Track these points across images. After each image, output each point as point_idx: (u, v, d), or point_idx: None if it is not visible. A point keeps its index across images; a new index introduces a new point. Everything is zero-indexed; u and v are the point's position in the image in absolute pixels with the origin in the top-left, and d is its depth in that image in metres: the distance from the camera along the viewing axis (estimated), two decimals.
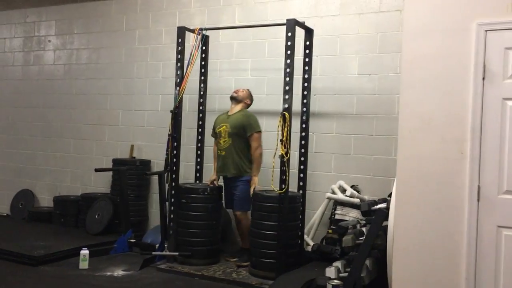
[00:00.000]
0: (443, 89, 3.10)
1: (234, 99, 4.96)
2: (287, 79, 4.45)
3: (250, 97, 5.05)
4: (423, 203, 3.13)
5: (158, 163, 5.90)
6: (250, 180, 4.83)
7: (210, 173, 5.31)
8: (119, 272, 4.61)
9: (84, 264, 4.65)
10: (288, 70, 4.45)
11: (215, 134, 5.02)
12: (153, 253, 4.89)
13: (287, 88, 4.45)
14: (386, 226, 3.59)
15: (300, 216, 4.77)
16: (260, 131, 4.87)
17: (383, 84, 4.86)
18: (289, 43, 4.46)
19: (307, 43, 4.91)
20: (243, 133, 4.82)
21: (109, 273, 4.56)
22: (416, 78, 3.19)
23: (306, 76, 4.90)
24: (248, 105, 5.03)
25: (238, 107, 4.94)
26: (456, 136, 3.05)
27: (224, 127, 4.90)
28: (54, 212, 6.24)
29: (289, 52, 4.46)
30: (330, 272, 3.87)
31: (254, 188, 4.75)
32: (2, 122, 7.25)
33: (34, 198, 6.85)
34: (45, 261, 4.74)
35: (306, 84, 4.89)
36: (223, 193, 5.03)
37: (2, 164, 7.22)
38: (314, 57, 4.97)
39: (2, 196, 7.07)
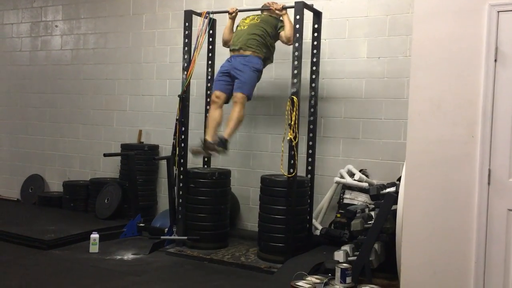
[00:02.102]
0: (454, 71, 3.06)
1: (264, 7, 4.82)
2: (296, 62, 4.41)
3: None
4: (432, 186, 3.11)
5: (166, 148, 5.92)
6: (257, 65, 4.64)
7: (217, 158, 5.30)
8: (128, 256, 4.65)
9: (94, 248, 4.70)
10: (296, 53, 4.41)
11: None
12: (162, 237, 4.93)
13: (295, 72, 4.41)
14: (395, 210, 3.58)
15: (309, 200, 4.77)
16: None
17: (392, 67, 4.81)
18: (297, 26, 4.42)
19: (316, 26, 4.86)
20: (274, 28, 4.71)
21: (119, 257, 4.61)
22: (427, 61, 3.15)
23: (314, 59, 4.85)
24: None
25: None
26: (467, 119, 3.01)
27: (252, 16, 4.81)
28: (64, 196, 6.29)
29: (297, 35, 4.42)
30: (339, 255, 3.89)
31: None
32: (11, 107, 7.29)
33: (43, 183, 6.91)
34: (56, 245, 4.79)
35: (314, 68, 4.85)
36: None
37: (12, 150, 7.28)
38: (322, 41, 4.93)
39: (12, 181, 7.14)
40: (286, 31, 4.63)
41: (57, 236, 4.91)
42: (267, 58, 4.79)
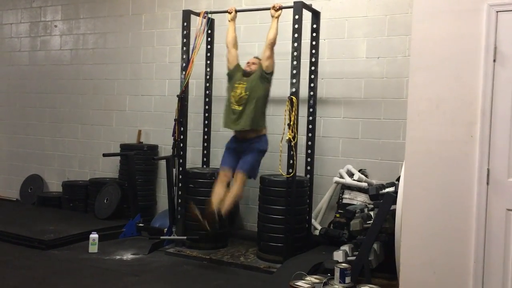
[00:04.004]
0: (453, 71, 3.06)
1: (247, 75, 4.67)
2: (294, 62, 4.42)
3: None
4: (432, 186, 3.11)
5: (166, 148, 5.92)
6: (263, 146, 4.58)
7: (216, 158, 5.31)
8: (128, 256, 4.65)
9: (93, 248, 4.70)
10: (295, 53, 4.42)
11: (230, 85, 4.73)
12: (162, 237, 4.93)
13: (294, 72, 4.42)
14: (394, 210, 3.58)
15: (308, 200, 4.77)
16: None
17: (391, 67, 4.81)
18: (296, 26, 4.42)
19: (314, 26, 4.86)
20: (262, 81, 4.55)
21: (118, 257, 4.61)
22: (426, 61, 3.15)
23: (313, 59, 4.86)
24: None
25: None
26: (465, 119, 3.02)
27: (241, 85, 4.60)
28: (63, 197, 6.30)
29: (296, 35, 4.42)
30: (338, 255, 3.89)
31: None
32: (10, 107, 7.29)
33: (43, 183, 6.91)
34: (55, 245, 4.79)
35: (313, 68, 4.85)
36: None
37: (11, 150, 7.28)
38: (321, 41, 4.93)
39: (11, 181, 7.14)
40: (271, 34, 4.52)
41: (57, 236, 4.91)
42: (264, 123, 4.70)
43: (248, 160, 4.53)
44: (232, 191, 4.51)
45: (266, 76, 4.57)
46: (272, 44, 4.53)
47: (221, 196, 4.48)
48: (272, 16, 4.63)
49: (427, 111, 3.13)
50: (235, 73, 4.75)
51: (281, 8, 4.61)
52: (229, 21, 4.89)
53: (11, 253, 4.63)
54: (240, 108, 4.56)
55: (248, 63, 4.75)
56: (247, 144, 4.57)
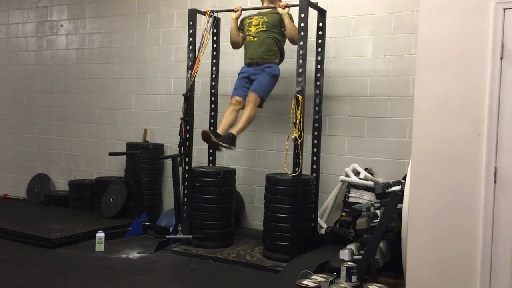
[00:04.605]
0: (460, 69, 3.04)
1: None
2: (300, 61, 4.41)
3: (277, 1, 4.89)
4: (438, 185, 3.09)
5: (171, 147, 5.93)
6: (275, 71, 4.73)
7: (222, 157, 5.32)
8: (134, 255, 4.66)
9: (100, 247, 4.72)
10: (301, 52, 4.41)
11: (244, 26, 4.89)
12: (168, 236, 4.94)
13: (300, 70, 4.41)
14: (401, 208, 3.57)
15: (314, 199, 4.76)
16: None
17: (397, 65, 4.79)
18: (301, 24, 4.41)
19: (320, 24, 4.85)
20: (280, 26, 4.74)
21: (124, 256, 4.62)
22: (432, 59, 3.13)
23: (319, 58, 4.85)
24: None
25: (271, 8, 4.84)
26: (472, 117, 3.00)
27: (257, 17, 4.80)
28: (70, 195, 6.32)
29: (302, 33, 4.41)
30: (344, 254, 3.88)
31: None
32: (16, 107, 7.32)
33: (49, 182, 6.94)
34: (62, 244, 4.81)
35: (319, 66, 4.84)
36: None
37: (18, 149, 7.31)
38: (327, 39, 4.92)
39: (18, 181, 7.18)
40: (289, 32, 4.67)
41: (63, 235, 4.93)
42: (282, 58, 4.89)
43: (261, 81, 4.67)
44: (245, 111, 4.65)
45: (282, 30, 4.73)
46: (293, 40, 4.63)
47: (232, 120, 4.66)
48: (282, 14, 4.66)
49: (433, 109, 3.12)
50: (245, 20, 4.90)
51: (287, 6, 4.61)
52: (232, 18, 4.92)
53: (18, 251, 4.66)
54: (255, 39, 4.74)
55: None
56: (260, 69, 4.71)
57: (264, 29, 4.75)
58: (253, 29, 4.79)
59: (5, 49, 7.43)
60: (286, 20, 4.65)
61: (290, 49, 4.89)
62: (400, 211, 3.59)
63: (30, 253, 4.62)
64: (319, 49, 4.84)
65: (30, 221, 5.48)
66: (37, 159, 7.11)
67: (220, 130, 4.63)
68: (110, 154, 5.73)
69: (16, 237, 4.98)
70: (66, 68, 6.88)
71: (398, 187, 4.02)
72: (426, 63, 3.15)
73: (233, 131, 4.58)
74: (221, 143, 4.45)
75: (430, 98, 3.13)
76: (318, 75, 4.84)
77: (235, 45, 5.04)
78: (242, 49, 5.11)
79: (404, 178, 4.00)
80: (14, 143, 7.36)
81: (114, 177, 6.24)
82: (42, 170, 7.02)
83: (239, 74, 4.89)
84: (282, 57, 4.89)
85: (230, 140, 4.52)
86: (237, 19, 4.95)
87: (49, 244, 4.76)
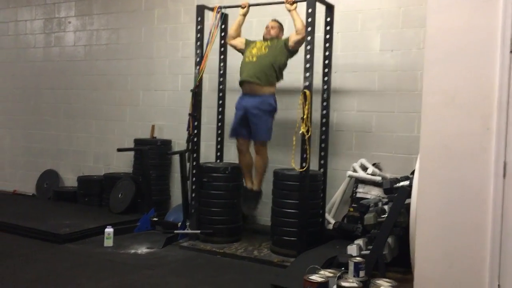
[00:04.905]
0: (469, 63, 3.01)
1: (268, 39, 4.81)
2: (308, 56, 4.39)
3: (282, 31, 4.87)
4: (447, 179, 3.07)
5: (179, 143, 5.94)
6: (272, 106, 4.68)
7: (230, 152, 5.33)
8: (143, 250, 4.69)
9: (108, 242, 4.74)
10: (308, 47, 4.39)
11: (246, 46, 4.87)
12: (176, 231, 4.96)
13: (307, 65, 4.40)
14: (409, 204, 3.56)
15: (321, 195, 4.76)
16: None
17: (405, 60, 4.77)
18: (309, 19, 4.39)
19: (328, 19, 4.83)
20: (283, 51, 4.67)
21: (133, 251, 4.65)
22: (441, 53, 3.11)
23: (327, 53, 4.83)
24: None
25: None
26: (481, 111, 2.97)
27: (261, 43, 4.77)
28: (78, 191, 6.36)
29: (309, 28, 4.40)
30: (352, 249, 3.88)
31: None
32: (25, 103, 7.37)
33: (58, 178, 6.99)
34: (71, 239, 4.84)
35: (327, 61, 4.83)
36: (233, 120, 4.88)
37: (27, 145, 7.37)
38: (335, 34, 4.90)
39: (28, 177, 7.23)
40: (297, 28, 4.55)
41: (72, 230, 4.97)
42: (279, 79, 4.81)
43: (261, 127, 4.67)
44: (258, 162, 4.77)
45: (289, 50, 4.66)
46: (301, 33, 4.53)
47: (250, 164, 4.82)
48: (289, 10, 4.63)
49: (442, 104, 3.09)
50: (249, 44, 4.87)
51: (295, 1, 4.59)
52: (240, 15, 4.92)
53: (28, 246, 4.70)
54: (255, 59, 4.69)
55: (267, 27, 4.84)
56: (256, 103, 4.64)
57: (265, 52, 4.69)
58: (254, 51, 4.75)
59: (13, 46, 7.47)
60: (295, 15, 4.60)
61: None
62: (408, 206, 3.59)
63: (40, 248, 4.65)
64: (327, 44, 4.82)
65: (40, 217, 5.52)
66: (46, 155, 7.15)
67: (248, 182, 4.87)
68: (118, 150, 5.76)
69: (26, 233, 5.02)
70: (74, 64, 6.91)
71: (406, 182, 4.00)
72: (434, 57, 3.13)
73: (255, 186, 4.80)
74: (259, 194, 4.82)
75: (438, 93, 3.11)
76: (326, 70, 4.82)
77: (230, 38, 5.01)
78: (253, 39, 5.10)
79: (412, 173, 3.98)
80: (23, 139, 7.42)
81: (122, 173, 6.27)
82: (51, 166, 7.07)
83: (236, 108, 4.84)
84: (279, 79, 4.80)
85: (257, 198, 4.82)
86: (244, 15, 4.95)
87: (58, 240, 4.79)
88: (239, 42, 4.96)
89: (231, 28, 5.01)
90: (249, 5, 4.92)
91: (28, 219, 5.37)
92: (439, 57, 3.11)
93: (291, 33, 4.67)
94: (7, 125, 7.55)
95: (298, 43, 4.61)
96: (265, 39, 4.82)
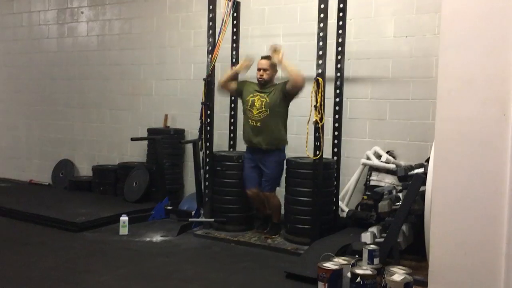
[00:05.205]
0: (485, 47, 2.96)
1: (263, 85, 4.61)
2: (321, 43, 4.36)
3: (275, 69, 4.64)
4: (462, 166, 3.04)
5: (192, 132, 5.96)
6: (282, 157, 4.65)
7: (242, 142, 5.33)
8: (157, 238, 4.73)
9: (124, 230, 4.80)
10: (321, 34, 4.35)
11: (243, 101, 4.70)
12: (190, 219, 4.99)
13: (320, 53, 4.36)
14: (423, 191, 3.53)
15: (335, 183, 4.75)
16: None
17: (420, 46, 4.70)
18: (322, 6, 4.35)
19: (341, 5, 4.78)
20: (284, 99, 4.53)
21: (148, 239, 4.70)
22: (456, 38, 3.06)
23: (340, 40, 4.78)
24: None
25: (270, 84, 4.62)
26: (498, 97, 2.92)
27: (258, 97, 4.56)
28: (93, 181, 6.43)
29: (322, 15, 4.35)
30: (366, 237, 3.87)
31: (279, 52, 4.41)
32: (40, 94, 7.44)
33: (73, 168, 7.07)
34: (87, 227, 4.91)
35: (340, 49, 4.78)
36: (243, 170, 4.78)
37: (43, 135, 7.45)
38: (348, 20, 4.85)
39: (44, 167, 7.32)
40: (292, 79, 4.38)
41: (88, 219, 5.03)
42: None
43: (270, 177, 4.63)
44: (272, 206, 4.73)
45: (288, 94, 4.51)
46: (299, 85, 4.40)
47: (263, 202, 4.75)
48: (282, 65, 4.45)
49: (458, 90, 3.05)
50: (243, 86, 4.74)
51: (281, 52, 4.43)
52: (234, 71, 4.85)
53: (46, 235, 4.77)
54: (259, 124, 4.55)
55: (259, 70, 4.60)
56: (266, 156, 4.61)
57: (267, 113, 4.51)
58: (255, 112, 4.55)
59: (27, 36, 7.53)
60: (287, 68, 4.41)
61: (310, 32, 4.83)
62: (423, 193, 3.56)
63: (57, 236, 4.73)
64: (340, 31, 4.78)
65: (56, 206, 5.60)
66: (61, 145, 7.23)
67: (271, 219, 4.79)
68: (132, 139, 5.79)
69: (43, 221, 5.10)
70: (87, 55, 6.94)
71: (420, 170, 3.97)
72: (450, 42, 3.08)
73: (274, 220, 4.78)
74: (273, 236, 4.67)
75: (454, 78, 3.06)
76: (339, 57, 4.78)
77: (222, 87, 4.86)
78: (262, 32, 5.07)
79: (427, 160, 3.95)
80: (38, 129, 7.50)
81: (136, 162, 6.31)
82: (66, 156, 7.15)
83: (245, 159, 4.76)
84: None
85: (276, 229, 4.76)
86: (238, 73, 4.85)
87: (74, 228, 4.86)
88: (231, 87, 4.83)
89: (223, 78, 4.83)
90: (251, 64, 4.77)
91: (45, 208, 5.45)
92: (455, 42, 3.06)
93: (272, 62, 4.54)
94: (23, 116, 7.64)
95: (294, 87, 4.44)
96: (259, 83, 4.62)
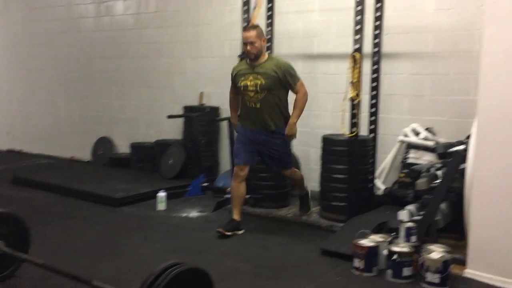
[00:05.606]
0: None
1: (253, 59, 4.12)
2: (358, 17, 4.25)
3: (262, 37, 4.15)
4: (506, 142, 2.95)
5: (227, 109, 5.89)
6: (283, 131, 4.19)
7: None
8: (194, 214, 4.82)
9: (161, 206, 4.91)
10: (358, 8, 4.25)
11: (238, 87, 4.25)
12: (225, 196, 5.05)
13: (357, 27, 4.26)
14: (463, 169, 3.45)
15: (371, 160, 4.68)
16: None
17: (463, 19, 4.52)
18: None
19: None
20: (282, 86, 4.15)
21: (184, 214, 4.79)
22: (502, 10, 2.94)
23: (378, 14, 4.64)
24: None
25: (262, 57, 4.16)
26: None
27: (251, 79, 4.11)
28: (132, 158, 6.58)
29: None
30: (403, 215, 3.82)
31: (293, 136, 4.21)
32: (79, 72, 7.60)
33: (112, 145, 7.24)
34: (125, 203, 5.05)
35: (378, 23, 4.65)
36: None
37: (82, 114, 7.65)
38: None
39: (84, 144, 7.52)
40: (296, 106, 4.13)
41: (127, 194, 5.17)
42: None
43: (283, 158, 4.30)
44: (294, 179, 4.56)
45: (286, 87, 4.18)
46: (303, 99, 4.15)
47: (243, 195, 4.28)
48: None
49: (502, 64, 2.94)
50: (235, 73, 4.30)
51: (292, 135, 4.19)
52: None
53: (86, 209, 4.94)
54: (259, 106, 4.13)
55: (245, 44, 4.09)
56: (266, 137, 4.20)
57: (263, 95, 4.09)
58: (251, 94, 4.13)
59: (66, 16, 7.67)
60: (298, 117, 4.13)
61: (347, 6, 4.72)
62: (462, 171, 3.47)
63: (97, 211, 4.89)
64: (378, 4, 4.63)
65: (96, 182, 5.77)
66: (100, 123, 7.40)
67: (237, 215, 4.23)
68: (169, 117, 5.86)
69: (84, 196, 5.27)
70: (124, 33, 7.02)
71: (460, 147, 3.87)
72: (495, 15, 2.96)
73: (301, 192, 4.63)
74: (238, 229, 4.21)
75: (498, 52, 2.95)
76: (377, 32, 4.65)
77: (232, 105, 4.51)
78: (297, 7, 4.98)
79: (468, 138, 3.84)
80: (78, 108, 7.69)
81: (172, 139, 6.40)
82: (105, 134, 7.32)
83: (240, 134, 4.32)
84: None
85: (306, 202, 4.66)
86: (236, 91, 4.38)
87: (114, 203, 5.01)
88: (236, 97, 4.44)
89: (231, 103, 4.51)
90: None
91: (85, 184, 5.63)
92: (501, 14, 2.94)
93: (300, 88, 4.15)
94: (63, 94, 7.85)
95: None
96: (249, 58, 4.14)
